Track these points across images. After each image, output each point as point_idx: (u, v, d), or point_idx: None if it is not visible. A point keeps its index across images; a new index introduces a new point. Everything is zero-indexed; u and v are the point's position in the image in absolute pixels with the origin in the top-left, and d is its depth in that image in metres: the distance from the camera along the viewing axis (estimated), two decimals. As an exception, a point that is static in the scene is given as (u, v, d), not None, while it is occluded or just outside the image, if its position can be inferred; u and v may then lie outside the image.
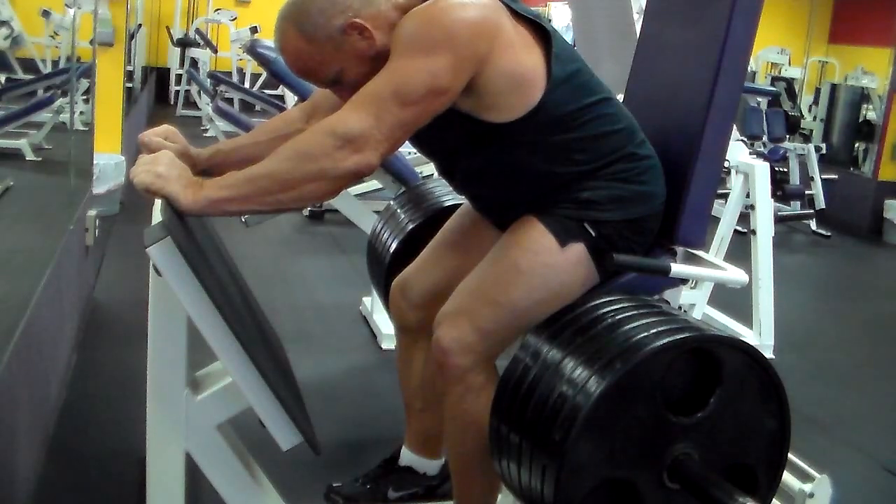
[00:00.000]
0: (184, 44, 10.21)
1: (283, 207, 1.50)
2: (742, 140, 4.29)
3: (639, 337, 1.41)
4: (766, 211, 3.72)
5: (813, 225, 6.60)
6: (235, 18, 10.75)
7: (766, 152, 6.70)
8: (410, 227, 2.34)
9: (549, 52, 1.59)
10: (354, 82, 1.57)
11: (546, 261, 1.64)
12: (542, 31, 1.61)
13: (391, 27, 1.55)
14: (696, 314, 3.51)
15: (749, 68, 5.80)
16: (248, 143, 1.82)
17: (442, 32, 1.49)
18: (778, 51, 9.75)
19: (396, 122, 1.47)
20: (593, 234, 1.65)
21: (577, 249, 1.64)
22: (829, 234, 6.55)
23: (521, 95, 1.58)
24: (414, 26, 1.51)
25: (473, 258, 1.75)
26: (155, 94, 10.51)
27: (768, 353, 3.52)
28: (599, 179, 1.65)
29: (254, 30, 9.62)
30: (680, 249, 1.78)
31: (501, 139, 1.62)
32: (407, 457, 2.11)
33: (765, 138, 6.95)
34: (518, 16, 1.59)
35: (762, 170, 3.73)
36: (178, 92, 10.38)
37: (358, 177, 1.50)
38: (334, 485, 2.09)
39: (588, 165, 1.65)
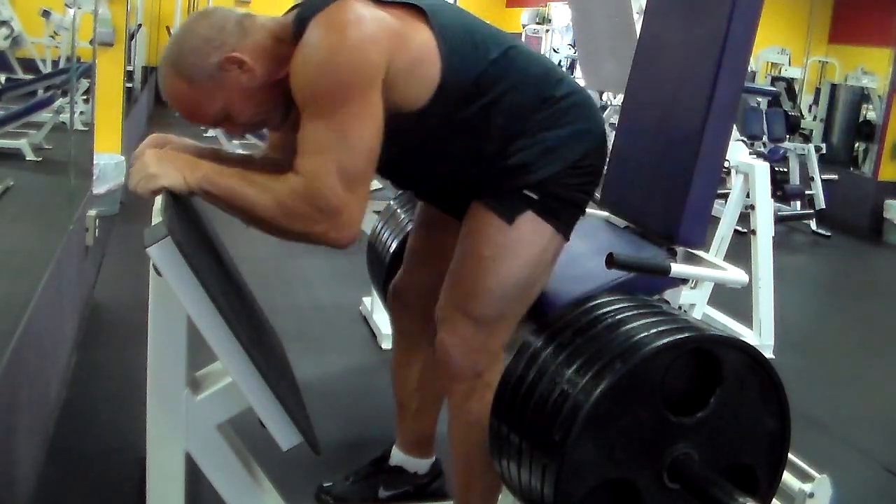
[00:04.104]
0: (184, 44, 10.18)
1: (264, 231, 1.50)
2: (742, 140, 4.30)
3: (639, 337, 1.41)
4: (766, 211, 3.73)
5: (813, 225, 6.60)
6: (235, 18, 10.72)
7: (766, 152, 6.69)
8: (410, 227, 2.34)
9: (431, 26, 1.54)
10: (244, 118, 1.54)
11: (501, 241, 1.63)
12: (416, 8, 1.55)
13: (271, 57, 1.52)
14: (696, 314, 3.51)
15: (749, 68, 5.79)
16: (241, 160, 1.79)
17: (343, 74, 1.43)
18: (778, 51, 9.74)
19: (361, 174, 1.46)
20: (535, 197, 1.63)
21: (527, 219, 1.63)
22: (829, 234, 6.55)
23: (423, 77, 1.54)
24: (315, 79, 1.44)
25: (449, 250, 1.74)
26: (155, 94, 10.48)
27: (768, 353, 3.52)
28: (524, 138, 1.62)
29: (254, 30, 9.58)
30: (680, 249, 1.79)
31: (422, 126, 1.58)
32: (398, 457, 2.12)
33: (765, 138, 6.94)
34: (385, 4, 1.52)
35: (762, 170, 3.73)
36: (178, 92, 10.36)
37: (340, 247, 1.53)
38: (324, 484, 2.09)
39: (510, 129, 1.61)
